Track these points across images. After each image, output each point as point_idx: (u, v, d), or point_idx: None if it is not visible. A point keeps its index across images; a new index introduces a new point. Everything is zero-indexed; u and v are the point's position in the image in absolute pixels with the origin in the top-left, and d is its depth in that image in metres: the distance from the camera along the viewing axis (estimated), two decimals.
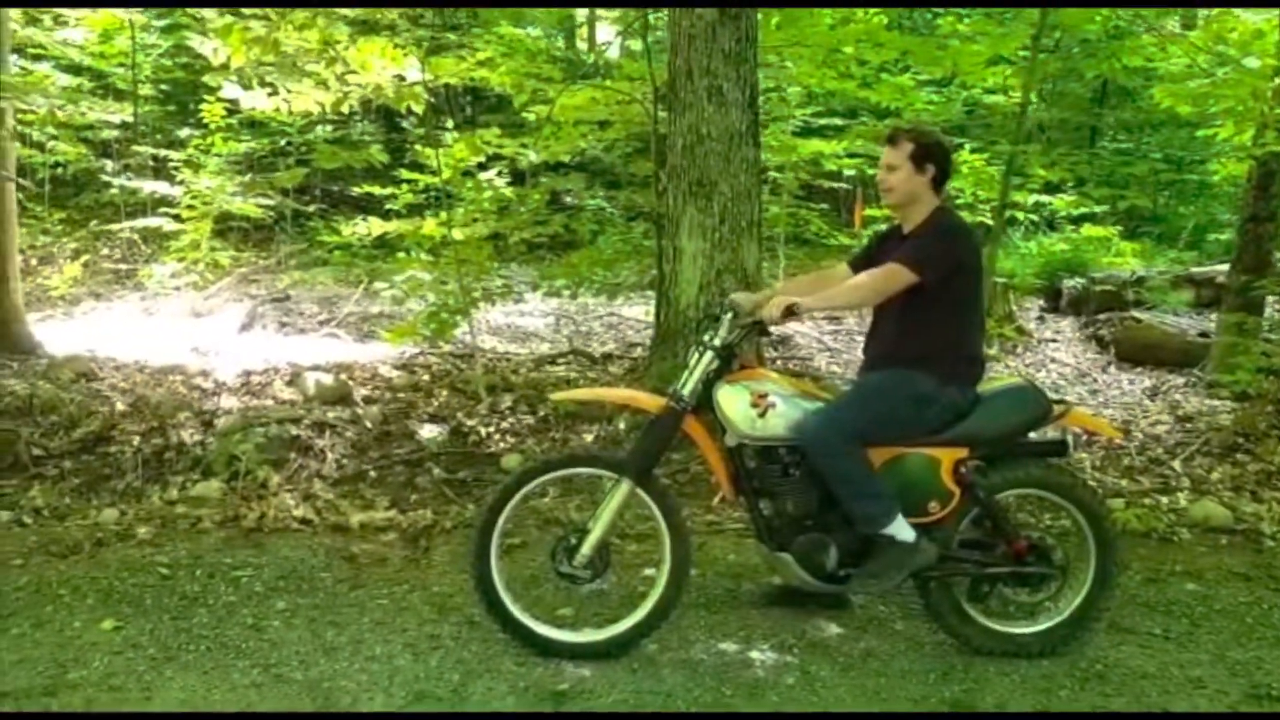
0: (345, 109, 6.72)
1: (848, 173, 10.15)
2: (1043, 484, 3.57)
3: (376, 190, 8.38)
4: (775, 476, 3.47)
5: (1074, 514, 3.57)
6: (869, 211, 10.89)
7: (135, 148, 10.70)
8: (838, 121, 11.08)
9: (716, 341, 3.48)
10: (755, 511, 3.52)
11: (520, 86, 7.11)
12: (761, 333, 3.52)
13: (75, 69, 10.65)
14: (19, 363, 6.40)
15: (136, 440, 5.33)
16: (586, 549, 3.43)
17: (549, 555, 3.51)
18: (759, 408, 3.41)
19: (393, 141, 10.52)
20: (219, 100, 8.93)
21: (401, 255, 7.07)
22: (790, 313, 3.35)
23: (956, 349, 3.47)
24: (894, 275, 3.39)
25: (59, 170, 10.74)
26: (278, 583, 4.04)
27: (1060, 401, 3.66)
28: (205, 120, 9.69)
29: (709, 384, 3.46)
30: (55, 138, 9.69)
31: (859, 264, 3.69)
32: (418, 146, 8.42)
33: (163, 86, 11.71)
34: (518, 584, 3.79)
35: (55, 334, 7.50)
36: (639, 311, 9.02)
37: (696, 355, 3.50)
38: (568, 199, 11.35)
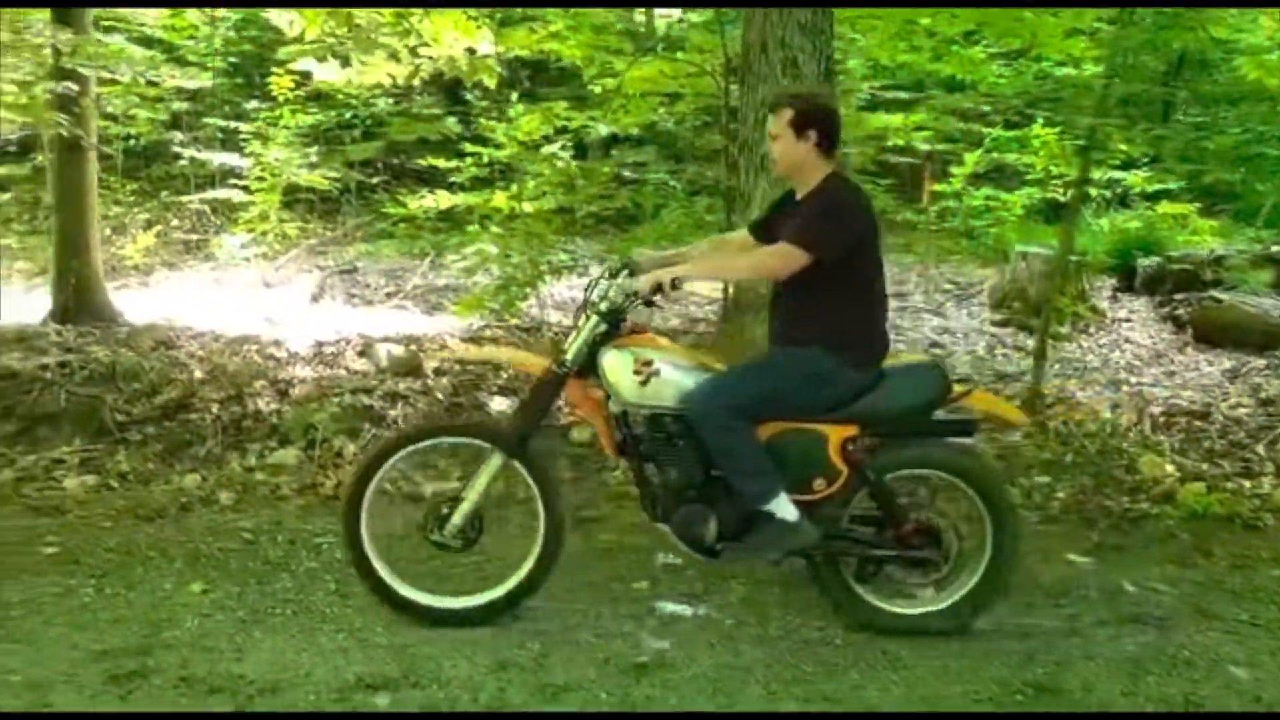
0: (416, 81, 6.75)
1: (923, 147, 9.96)
2: (938, 464, 3.47)
3: (440, 163, 8.42)
4: (660, 445, 3.41)
5: (971, 496, 3.47)
6: (937, 187, 10.73)
7: (205, 120, 10.85)
8: (903, 95, 10.88)
9: (603, 306, 3.40)
10: (639, 480, 3.48)
11: (590, 59, 7.09)
12: (646, 303, 3.38)
13: (147, 41, 10.82)
14: (100, 330, 6.54)
15: (215, 407, 5.44)
16: (458, 519, 3.43)
17: (421, 523, 3.50)
18: (641, 375, 3.35)
19: (454, 115, 10.55)
20: (288, 73, 9.01)
21: (470, 228, 7.10)
22: (670, 286, 3.27)
23: (857, 326, 3.40)
24: (785, 256, 3.31)
25: (131, 141, 10.92)
26: None
27: (962, 382, 3.53)
28: (273, 93, 9.80)
29: (595, 347, 3.40)
30: (138, 106, 9.84)
31: (758, 230, 3.63)
32: (482, 120, 8.44)
33: (231, 59, 11.85)
34: (389, 545, 3.70)
35: (132, 303, 7.66)
36: (702, 286, 8.97)
37: (584, 318, 3.44)
38: (627, 173, 11.31)
